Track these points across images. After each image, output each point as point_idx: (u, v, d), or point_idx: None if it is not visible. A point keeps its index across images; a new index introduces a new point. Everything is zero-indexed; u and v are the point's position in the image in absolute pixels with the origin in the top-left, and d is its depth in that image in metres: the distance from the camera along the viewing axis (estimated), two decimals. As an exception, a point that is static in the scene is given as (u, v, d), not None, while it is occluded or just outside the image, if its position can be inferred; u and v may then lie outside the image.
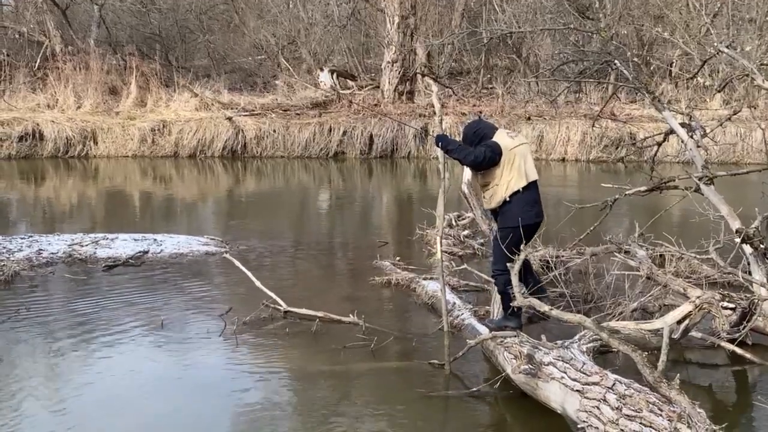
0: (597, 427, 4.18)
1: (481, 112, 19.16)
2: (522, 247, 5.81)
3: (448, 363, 5.70)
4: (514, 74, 24.33)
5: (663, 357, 4.42)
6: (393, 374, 5.79)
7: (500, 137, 5.84)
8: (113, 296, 7.69)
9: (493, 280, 6.23)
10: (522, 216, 5.76)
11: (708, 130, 7.63)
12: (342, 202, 15.33)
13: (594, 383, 4.39)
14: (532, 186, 5.85)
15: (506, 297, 5.92)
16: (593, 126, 18.84)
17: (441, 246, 6.22)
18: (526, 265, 6.05)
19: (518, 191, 5.77)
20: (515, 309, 5.84)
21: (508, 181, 5.77)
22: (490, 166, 5.82)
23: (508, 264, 5.74)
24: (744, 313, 5.84)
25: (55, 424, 4.90)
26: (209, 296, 7.77)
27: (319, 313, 6.80)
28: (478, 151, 5.78)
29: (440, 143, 5.99)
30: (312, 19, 25.99)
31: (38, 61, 22.56)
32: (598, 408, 4.22)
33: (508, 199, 5.80)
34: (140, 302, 7.48)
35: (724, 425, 3.87)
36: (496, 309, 6.30)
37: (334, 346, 6.25)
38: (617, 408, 4.12)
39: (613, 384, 4.30)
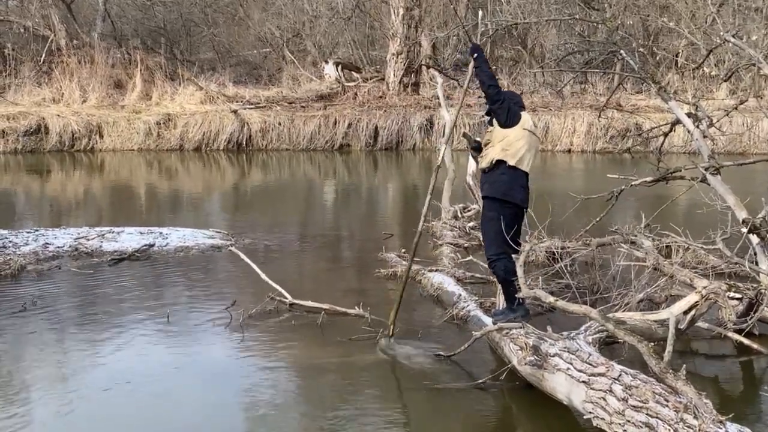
0: (603, 418, 4.17)
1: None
2: (528, 238, 5.81)
3: (392, 323, 6.05)
4: (520, 65, 24.29)
5: (669, 347, 4.41)
6: (398, 366, 5.78)
7: (525, 115, 5.88)
8: (119, 289, 7.70)
9: (491, 269, 6.16)
10: (507, 192, 5.76)
11: (714, 120, 7.60)
12: (347, 194, 15.32)
13: (600, 374, 4.37)
14: (520, 172, 5.81)
15: (508, 286, 5.85)
16: (599, 117, 18.74)
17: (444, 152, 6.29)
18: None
19: (504, 163, 5.75)
20: (520, 300, 5.83)
21: (502, 148, 5.78)
22: (498, 120, 5.83)
23: (514, 256, 5.75)
24: (751, 303, 5.82)
25: (61, 416, 4.91)
26: (215, 289, 7.78)
27: (325, 306, 6.80)
28: (503, 96, 5.81)
29: (475, 55, 5.92)
30: (316, 12, 25.95)
31: (43, 55, 22.57)
32: (604, 399, 4.21)
33: (494, 164, 5.80)
34: (146, 295, 7.49)
35: (730, 416, 3.85)
36: (501, 300, 6.28)
37: (339, 339, 6.25)
38: (623, 399, 4.10)
39: (619, 375, 4.29)
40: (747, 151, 19.04)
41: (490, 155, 5.85)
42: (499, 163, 5.79)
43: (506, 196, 5.77)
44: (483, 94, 6.00)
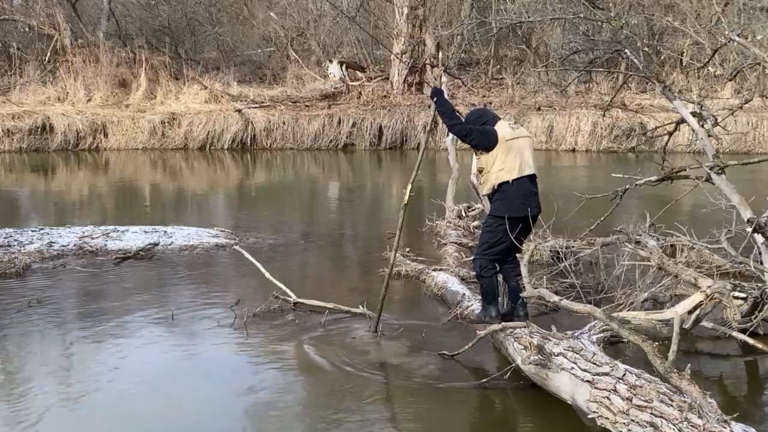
0: (607, 418, 4.17)
1: (490, 103, 19.11)
2: (530, 237, 5.83)
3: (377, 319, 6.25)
4: (524, 64, 24.23)
5: (673, 347, 4.41)
6: (402, 365, 5.78)
7: (500, 127, 5.86)
8: (123, 288, 7.72)
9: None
10: (511, 207, 5.77)
11: (719, 120, 7.58)
12: (351, 193, 15.32)
13: (604, 373, 4.37)
14: (524, 180, 5.80)
15: (481, 284, 6.06)
16: (604, 116, 18.75)
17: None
18: (510, 262, 6.01)
19: (507, 182, 5.78)
20: (493, 298, 6.00)
21: (498, 170, 5.80)
22: (480, 149, 5.90)
23: (517, 255, 5.77)
24: (755, 302, 5.80)
25: (65, 414, 4.93)
26: (219, 288, 7.79)
27: (329, 305, 6.81)
28: (470, 128, 5.87)
29: (435, 98, 6.02)
30: (321, 11, 25.92)
31: (48, 54, 22.59)
32: (608, 398, 4.21)
33: (496, 187, 5.85)
34: (150, 294, 7.50)
35: (735, 415, 3.85)
36: (504, 301, 6.29)
37: (343, 338, 6.25)
38: (628, 398, 4.10)
39: (624, 374, 4.29)
40: (752, 151, 19.00)
41: (490, 181, 5.89)
42: (501, 184, 5.83)
43: (509, 212, 5.78)
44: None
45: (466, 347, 5.69)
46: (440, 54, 10.02)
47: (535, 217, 5.92)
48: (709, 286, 5.13)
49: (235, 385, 5.41)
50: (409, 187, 6.45)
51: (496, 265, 6.01)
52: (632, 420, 4.00)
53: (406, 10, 21.83)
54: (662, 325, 5.27)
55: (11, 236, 9.34)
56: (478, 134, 5.85)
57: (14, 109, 19.65)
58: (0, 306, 6.99)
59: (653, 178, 7.34)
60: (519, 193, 5.78)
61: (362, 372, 5.63)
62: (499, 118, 6.03)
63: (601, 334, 5.26)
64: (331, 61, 23.81)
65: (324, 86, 22.76)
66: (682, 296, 5.81)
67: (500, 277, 6.21)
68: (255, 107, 21.03)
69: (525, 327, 5.34)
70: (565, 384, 4.64)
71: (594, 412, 4.28)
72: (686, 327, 5.14)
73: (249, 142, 20.52)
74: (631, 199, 10.37)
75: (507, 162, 5.76)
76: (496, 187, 5.85)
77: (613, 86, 21.49)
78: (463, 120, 6.12)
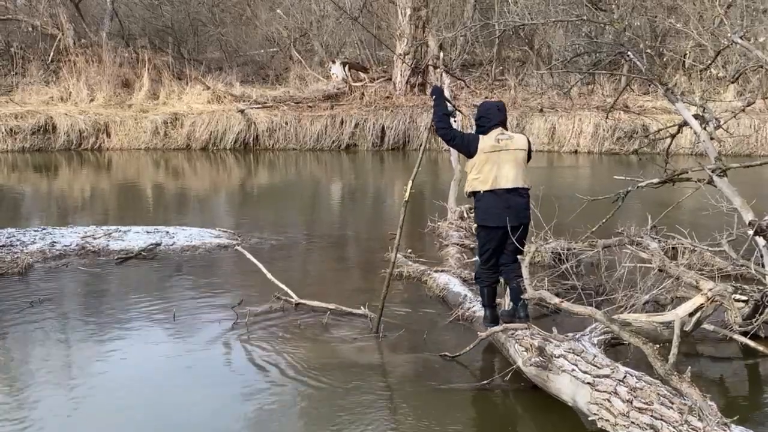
0: (608, 420, 4.17)
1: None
2: (534, 240, 5.83)
3: (378, 320, 6.34)
4: (527, 66, 24.23)
5: (674, 349, 4.41)
6: (403, 366, 5.79)
7: (488, 137, 5.85)
8: (126, 288, 7.73)
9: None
10: (486, 216, 5.85)
11: (722, 122, 7.58)
12: (353, 194, 15.33)
13: (605, 376, 4.38)
14: (499, 192, 5.77)
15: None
16: (606, 118, 18.74)
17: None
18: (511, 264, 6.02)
19: (479, 192, 5.85)
20: (485, 304, 6.12)
21: (473, 178, 5.90)
22: (462, 154, 6.17)
23: (519, 257, 5.78)
24: (756, 305, 5.80)
25: (67, 414, 4.94)
26: (221, 288, 7.80)
27: (331, 305, 6.82)
28: (454, 134, 6.02)
29: (434, 96, 6.17)
30: (324, 11, 25.93)
31: (51, 54, 22.63)
32: (608, 400, 4.22)
33: (468, 194, 6.01)
34: (152, 294, 7.51)
35: (735, 418, 3.86)
36: (507, 300, 6.30)
37: (344, 338, 6.26)
38: (628, 400, 4.11)
39: (624, 376, 4.29)
40: (754, 153, 18.98)
41: (466, 187, 6.03)
42: (474, 192, 5.91)
43: (484, 221, 5.89)
44: (487, 96, 6.13)
45: (468, 348, 5.70)
46: (441, 54, 10.04)
47: (518, 227, 5.81)
48: (710, 289, 5.14)
49: (236, 386, 5.41)
50: (409, 184, 6.46)
51: (491, 273, 6.01)
52: (632, 422, 4.01)
53: (408, 11, 21.85)
54: (663, 328, 5.29)
55: (14, 236, 9.36)
56: (460, 142, 5.99)
57: (17, 108, 19.68)
58: (2, 305, 7.01)
59: (655, 181, 7.34)
60: (492, 204, 5.80)
61: (363, 373, 5.64)
62: (500, 125, 5.92)
63: (602, 336, 5.27)
64: (333, 62, 23.81)
65: (327, 87, 22.76)
66: (683, 299, 5.82)
67: (501, 279, 6.24)
68: (258, 108, 21.04)
69: (526, 329, 5.35)
70: (566, 386, 4.65)
71: (594, 414, 4.29)
72: (687, 329, 5.15)
73: (251, 143, 20.52)
74: (633, 202, 10.37)
75: (483, 173, 5.82)
76: (469, 194, 6.00)
77: (615, 88, 21.47)
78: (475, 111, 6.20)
